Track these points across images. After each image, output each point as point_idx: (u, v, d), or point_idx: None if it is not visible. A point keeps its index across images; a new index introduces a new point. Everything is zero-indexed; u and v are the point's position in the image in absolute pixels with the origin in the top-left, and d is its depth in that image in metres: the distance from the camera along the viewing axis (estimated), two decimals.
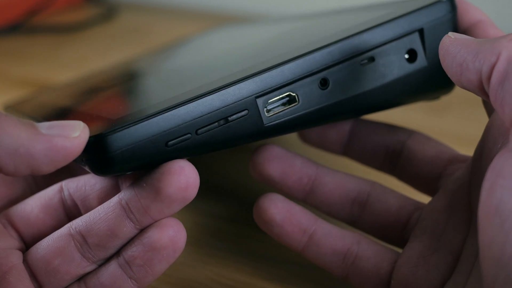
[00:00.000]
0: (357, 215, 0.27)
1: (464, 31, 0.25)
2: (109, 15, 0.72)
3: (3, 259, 0.23)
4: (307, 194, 0.27)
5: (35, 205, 0.25)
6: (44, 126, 0.20)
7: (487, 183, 0.18)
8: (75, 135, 0.20)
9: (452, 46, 0.21)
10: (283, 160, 0.27)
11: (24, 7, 0.66)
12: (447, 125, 0.41)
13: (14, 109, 0.37)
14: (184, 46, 0.43)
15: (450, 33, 0.22)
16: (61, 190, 0.25)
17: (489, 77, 0.19)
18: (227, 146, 0.23)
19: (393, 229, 0.26)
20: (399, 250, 0.25)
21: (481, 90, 0.20)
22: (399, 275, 0.24)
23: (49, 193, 0.25)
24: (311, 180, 0.27)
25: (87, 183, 0.25)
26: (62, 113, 0.32)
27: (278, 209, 0.26)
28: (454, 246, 0.23)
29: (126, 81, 0.38)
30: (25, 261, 0.24)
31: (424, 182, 0.27)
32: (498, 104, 0.19)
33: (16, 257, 0.23)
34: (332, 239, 0.26)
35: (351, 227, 0.28)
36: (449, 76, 0.21)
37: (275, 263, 0.29)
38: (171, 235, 0.22)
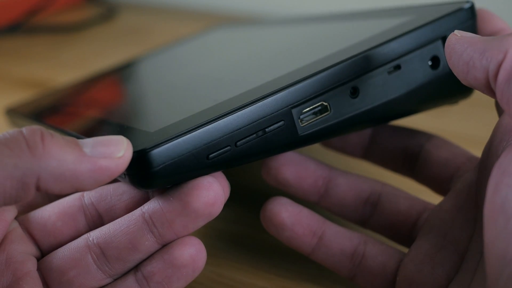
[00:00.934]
0: (368, 215, 0.27)
1: None
2: (109, 15, 0.72)
3: (19, 263, 0.23)
4: (321, 197, 0.27)
5: (53, 212, 0.25)
6: (89, 144, 0.20)
7: (493, 181, 0.18)
8: (119, 155, 0.20)
9: (458, 44, 0.21)
10: (297, 163, 0.27)
11: (24, 7, 0.66)
12: (447, 125, 0.41)
13: (17, 111, 0.37)
14: (198, 46, 0.42)
15: (456, 31, 0.22)
16: (81, 198, 0.25)
17: (496, 75, 0.19)
18: (263, 157, 0.23)
19: (403, 229, 0.27)
20: (406, 250, 0.26)
21: (488, 88, 0.20)
22: (405, 272, 0.24)
23: (69, 201, 0.25)
24: (325, 182, 0.27)
25: (113, 193, 0.24)
26: (67, 117, 0.32)
27: (288, 213, 0.26)
28: (460, 245, 0.23)
29: (137, 83, 0.38)
30: (39, 269, 0.23)
31: (438, 183, 0.27)
32: (505, 102, 0.19)
33: (32, 264, 0.23)
34: (340, 239, 0.26)
35: (357, 228, 0.28)
36: (455, 74, 0.21)
37: (275, 263, 0.29)
38: (193, 253, 0.22)
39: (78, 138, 0.21)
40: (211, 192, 0.22)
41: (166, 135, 0.21)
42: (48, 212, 0.25)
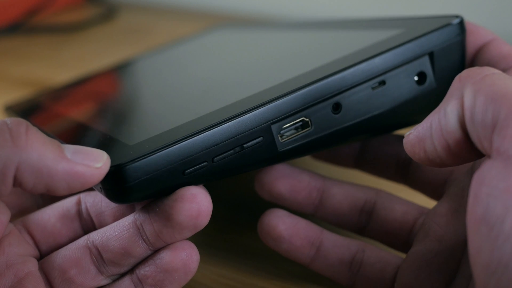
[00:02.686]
0: (364, 223, 0.27)
1: (477, 50, 0.25)
2: (109, 15, 0.72)
3: (20, 265, 0.23)
4: (317, 208, 0.27)
5: (53, 215, 0.25)
6: (70, 150, 0.21)
7: (472, 191, 0.18)
8: (97, 165, 0.20)
9: (420, 132, 0.21)
10: (291, 176, 0.27)
11: (24, 7, 0.66)
12: None
13: (14, 110, 0.37)
14: (188, 51, 0.42)
15: (406, 134, 0.22)
16: (79, 202, 0.25)
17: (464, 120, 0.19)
18: (241, 172, 0.23)
19: (400, 235, 0.26)
20: (404, 256, 0.25)
21: (471, 145, 0.20)
22: (402, 278, 0.24)
23: (67, 204, 0.25)
24: (319, 193, 0.27)
25: (104, 200, 0.25)
26: (56, 122, 0.32)
27: (286, 225, 0.26)
28: (456, 249, 0.23)
29: (127, 89, 0.37)
30: (41, 269, 0.24)
31: (432, 188, 0.27)
32: (476, 139, 0.19)
33: (32, 264, 0.24)
34: (339, 248, 0.26)
35: (355, 236, 0.28)
36: (439, 160, 0.21)
37: (275, 263, 0.29)
38: (184, 258, 0.23)
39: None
40: (194, 204, 0.22)
41: (143, 150, 0.21)
42: (48, 214, 0.25)
